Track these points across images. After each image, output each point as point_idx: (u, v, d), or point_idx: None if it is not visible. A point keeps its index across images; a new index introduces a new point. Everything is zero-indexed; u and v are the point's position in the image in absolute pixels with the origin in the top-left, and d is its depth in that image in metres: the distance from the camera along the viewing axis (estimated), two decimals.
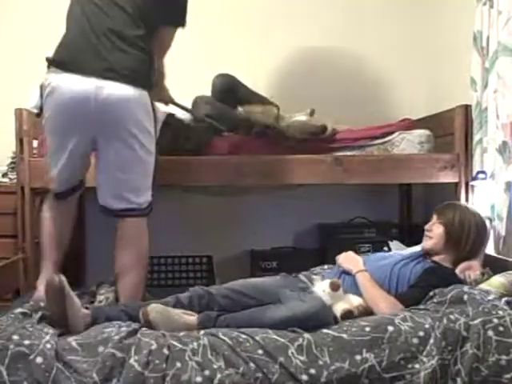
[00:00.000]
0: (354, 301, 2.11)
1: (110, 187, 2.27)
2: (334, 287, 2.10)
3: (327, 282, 2.14)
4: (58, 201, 2.40)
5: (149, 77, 2.29)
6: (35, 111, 2.37)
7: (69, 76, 2.19)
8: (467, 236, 2.30)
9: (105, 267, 2.34)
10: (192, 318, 2.00)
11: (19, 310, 1.98)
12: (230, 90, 2.95)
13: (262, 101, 2.99)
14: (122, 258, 2.27)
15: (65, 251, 2.43)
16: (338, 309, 2.06)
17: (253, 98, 2.99)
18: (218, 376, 1.73)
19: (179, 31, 2.38)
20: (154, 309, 1.97)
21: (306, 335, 1.85)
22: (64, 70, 2.20)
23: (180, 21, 2.35)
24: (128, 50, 2.21)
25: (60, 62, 2.23)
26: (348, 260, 2.38)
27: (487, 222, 2.43)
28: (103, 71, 2.17)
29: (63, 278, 1.90)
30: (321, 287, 2.13)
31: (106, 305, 2.28)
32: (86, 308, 1.98)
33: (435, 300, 2.03)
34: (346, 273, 2.32)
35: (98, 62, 2.18)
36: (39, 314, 1.96)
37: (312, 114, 2.99)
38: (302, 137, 2.82)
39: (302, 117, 3.03)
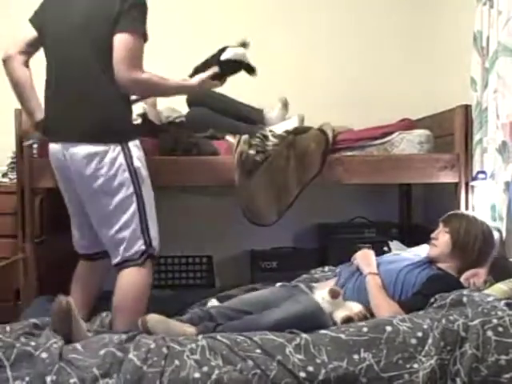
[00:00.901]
0: (354, 307, 2.10)
1: (104, 244, 2.27)
2: (334, 295, 2.10)
3: (326, 289, 2.14)
4: (83, 260, 2.42)
5: (115, 127, 2.21)
6: None
7: (50, 145, 2.32)
8: (473, 244, 2.29)
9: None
10: (191, 329, 2.02)
11: (33, 320, 2.01)
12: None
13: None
14: (116, 301, 2.21)
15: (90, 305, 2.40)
16: (338, 316, 2.06)
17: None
18: (216, 372, 1.75)
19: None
20: (153, 318, 2.00)
21: (304, 335, 1.86)
22: (48, 140, 2.33)
23: (136, 25, 2.13)
24: (87, 106, 2.18)
25: (43, 132, 2.37)
26: (364, 259, 2.36)
27: (495, 233, 2.42)
28: (65, 135, 2.21)
29: (71, 301, 1.94)
30: (320, 295, 2.13)
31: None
32: (88, 331, 2.02)
33: (435, 305, 2.04)
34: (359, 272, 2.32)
35: (63, 125, 2.23)
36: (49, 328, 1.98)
37: (286, 104, 2.98)
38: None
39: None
